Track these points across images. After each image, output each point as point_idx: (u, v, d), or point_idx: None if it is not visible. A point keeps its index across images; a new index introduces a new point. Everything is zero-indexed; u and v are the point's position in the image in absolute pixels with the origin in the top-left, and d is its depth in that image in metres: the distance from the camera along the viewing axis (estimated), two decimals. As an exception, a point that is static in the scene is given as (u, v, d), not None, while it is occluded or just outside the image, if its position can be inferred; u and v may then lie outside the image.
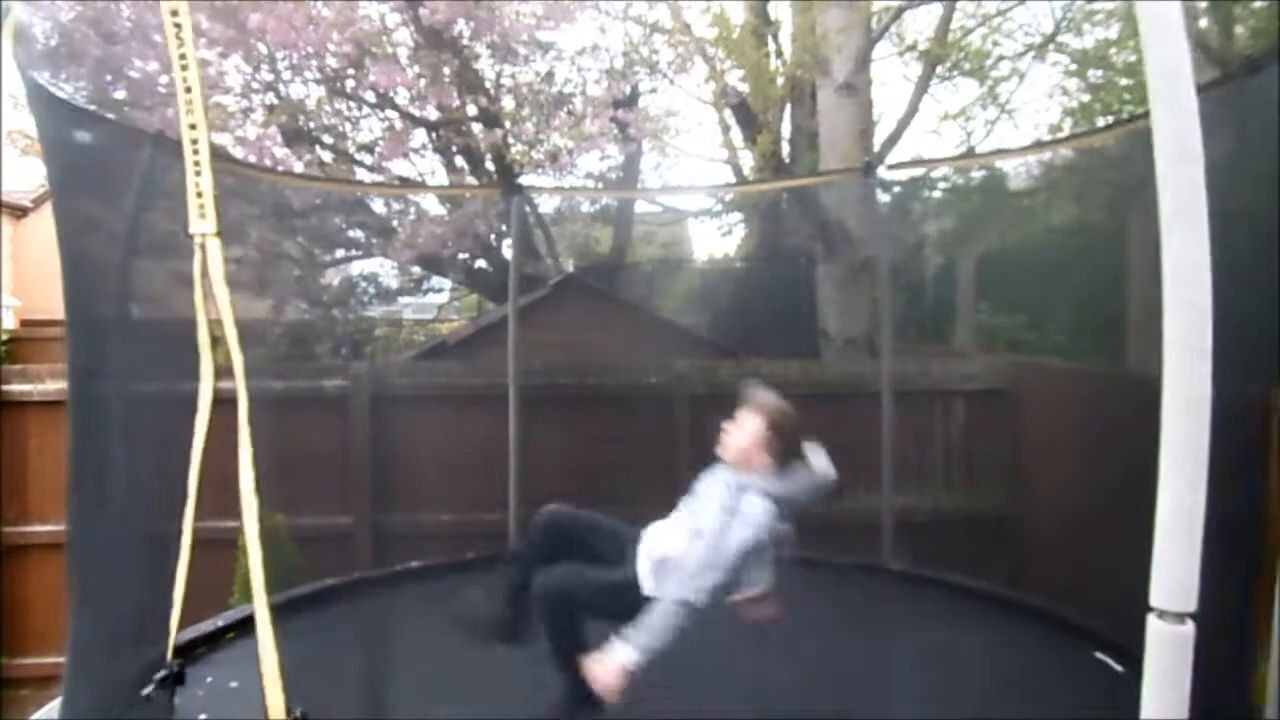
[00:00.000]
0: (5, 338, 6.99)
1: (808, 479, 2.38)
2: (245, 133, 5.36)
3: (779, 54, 7.12)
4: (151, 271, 2.88)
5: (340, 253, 6.92)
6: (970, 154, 7.86)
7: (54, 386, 4.55)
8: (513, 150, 5.74)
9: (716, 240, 19.34)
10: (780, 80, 6.55)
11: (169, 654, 2.47)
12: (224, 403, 1.89)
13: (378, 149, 5.82)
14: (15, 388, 4.67)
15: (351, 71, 5.52)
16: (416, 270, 7.24)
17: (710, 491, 2.40)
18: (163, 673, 2.42)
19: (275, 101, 5.58)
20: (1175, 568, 1.12)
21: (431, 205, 6.40)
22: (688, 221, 10.75)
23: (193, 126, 1.98)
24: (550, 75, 6.15)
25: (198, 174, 1.98)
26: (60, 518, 2.56)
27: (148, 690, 2.35)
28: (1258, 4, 5.91)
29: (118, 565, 2.53)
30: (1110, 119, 7.09)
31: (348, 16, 5.14)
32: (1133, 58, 7.06)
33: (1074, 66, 7.74)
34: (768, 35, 7.03)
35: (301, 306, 6.60)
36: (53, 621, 4.05)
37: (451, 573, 4.15)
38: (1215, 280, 1.10)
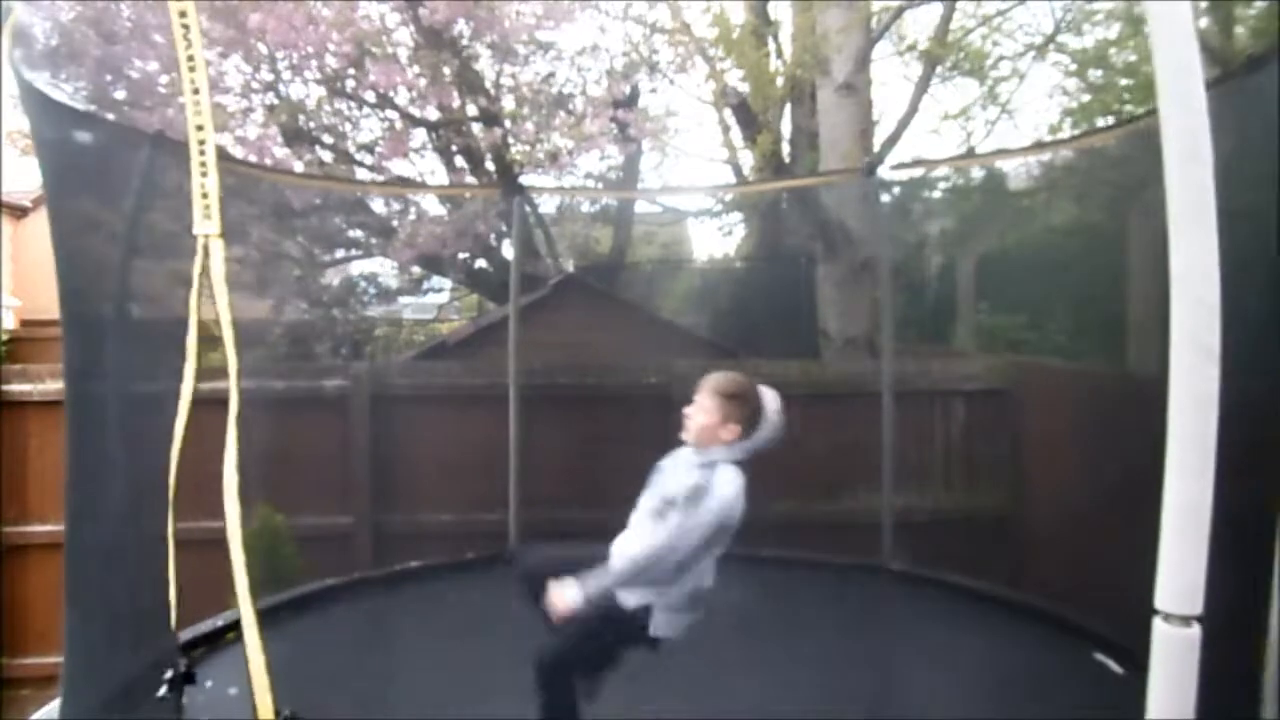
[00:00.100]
0: (5, 338, 6.97)
1: (766, 427, 2.36)
2: (245, 133, 5.35)
3: (779, 54, 7.10)
4: (149, 271, 2.87)
5: (340, 253, 6.91)
6: (970, 154, 7.83)
7: (54, 386, 4.54)
8: (513, 150, 5.74)
9: (716, 240, 19.42)
10: (780, 80, 6.53)
11: (176, 653, 2.47)
12: (224, 403, 1.88)
13: (378, 149, 5.81)
14: (15, 388, 4.67)
15: (351, 71, 5.52)
16: (416, 270, 7.23)
17: (675, 471, 2.39)
18: (170, 672, 2.41)
19: (275, 101, 5.57)
20: (1181, 570, 1.11)
21: (431, 205, 6.39)
22: (688, 221, 10.72)
23: (200, 127, 1.96)
24: (550, 75, 6.15)
25: (204, 175, 1.96)
26: (60, 518, 2.55)
27: (161, 692, 2.34)
28: (1258, 4, 5.91)
29: (115, 564, 2.53)
30: (1110, 119, 7.08)
31: (348, 16, 5.13)
32: (1133, 58, 7.07)
33: (1074, 66, 7.73)
34: (768, 35, 7.01)
35: (301, 306, 6.59)
36: (53, 621, 4.03)
37: (451, 573, 4.15)
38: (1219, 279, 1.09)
